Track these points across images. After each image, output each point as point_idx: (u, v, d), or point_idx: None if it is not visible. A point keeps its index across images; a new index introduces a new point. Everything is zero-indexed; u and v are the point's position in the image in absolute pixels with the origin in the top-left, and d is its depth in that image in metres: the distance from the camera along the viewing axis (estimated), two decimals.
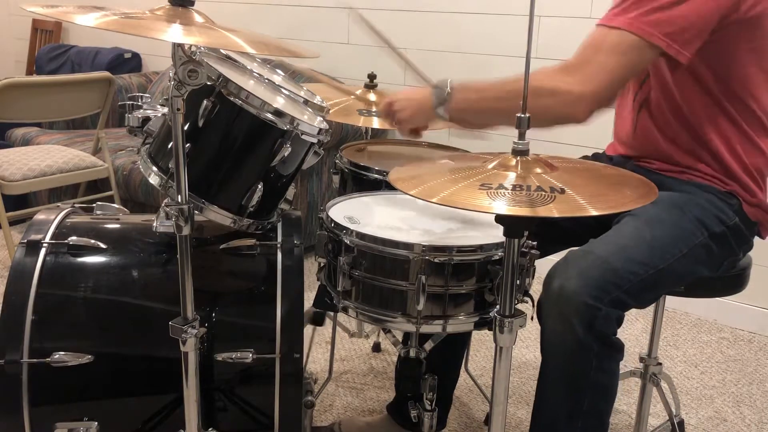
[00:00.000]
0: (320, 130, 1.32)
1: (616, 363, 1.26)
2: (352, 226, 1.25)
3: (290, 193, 1.40)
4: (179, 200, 1.13)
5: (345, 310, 1.27)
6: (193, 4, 1.12)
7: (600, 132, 2.64)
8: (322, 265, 1.34)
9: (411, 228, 1.31)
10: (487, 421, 1.23)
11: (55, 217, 1.38)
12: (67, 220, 1.39)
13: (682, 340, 2.52)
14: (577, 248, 1.29)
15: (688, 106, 1.37)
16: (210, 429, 1.27)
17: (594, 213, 0.95)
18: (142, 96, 1.30)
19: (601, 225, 1.44)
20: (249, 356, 1.27)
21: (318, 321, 1.47)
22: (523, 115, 1.05)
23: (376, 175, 1.62)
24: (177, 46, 1.05)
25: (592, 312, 1.18)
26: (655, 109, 1.42)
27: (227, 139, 1.26)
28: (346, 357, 2.27)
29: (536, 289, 1.21)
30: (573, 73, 1.25)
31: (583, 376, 1.23)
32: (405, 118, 1.45)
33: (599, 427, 1.27)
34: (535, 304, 1.28)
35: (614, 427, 1.97)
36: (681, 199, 1.37)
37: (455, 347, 1.75)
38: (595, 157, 1.64)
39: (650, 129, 1.44)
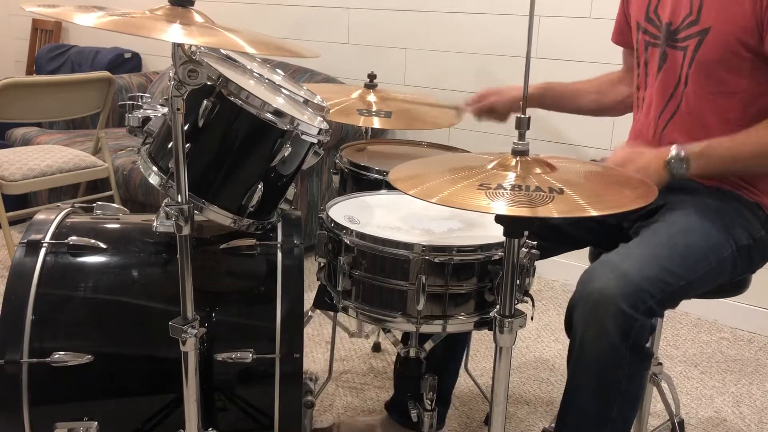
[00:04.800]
0: (320, 130, 1.32)
1: (645, 371, 1.27)
2: (352, 226, 1.25)
3: (290, 193, 1.40)
4: (179, 200, 1.13)
5: (345, 310, 1.27)
6: (192, 3, 1.12)
7: (600, 132, 2.65)
8: (322, 265, 1.34)
9: (411, 228, 1.31)
10: (487, 421, 1.23)
11: (55, 217, 1.38)
12: (67, 220, 1.39)
13: (682, 340, 2.52)
14: (610, 253, 1.27)
15: (722, 120, 1.37)
16: (210, 429, 1.27)
17: (593, 213, 0.95)
18: (142, 96, 1.30)
19: (602, 227, 1.43)
20: (249, 356, 1.27)
21: None
22: (522, 116, 1.05)
23: (376, 175, 1.62)
24: (177, 46, 1.05)
25: (629, 321, 1.18)
26: (683, 122, 1.41)
27: (227, 139, 1.26)
28: (346, 357, 2.27)
29: (536, 289, 1.21)
30: None
31: (614, 385, 1.22)
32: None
33: None
34: (566, 308, 1.26)
35: None
36: (712, 206, 1.36)
37: (455, 347, 1.75)
38: None
39: (677, 141, 1.40)
